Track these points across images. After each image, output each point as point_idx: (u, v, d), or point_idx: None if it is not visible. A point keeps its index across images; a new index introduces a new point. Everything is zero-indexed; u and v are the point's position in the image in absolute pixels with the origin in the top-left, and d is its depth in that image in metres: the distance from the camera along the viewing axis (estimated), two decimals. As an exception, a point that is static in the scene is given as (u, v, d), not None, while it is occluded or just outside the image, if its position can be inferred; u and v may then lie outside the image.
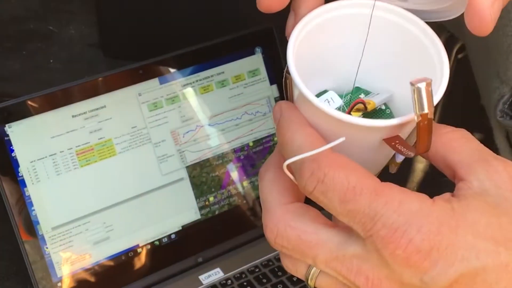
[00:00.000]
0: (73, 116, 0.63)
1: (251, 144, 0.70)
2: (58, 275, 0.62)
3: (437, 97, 0.36)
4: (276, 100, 0.70)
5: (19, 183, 0.61)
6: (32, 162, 0.61)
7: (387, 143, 0.37)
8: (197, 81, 0.67)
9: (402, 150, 0.37)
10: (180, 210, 0.67)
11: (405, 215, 0.32)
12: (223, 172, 0.69)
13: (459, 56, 0.77)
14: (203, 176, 0.68)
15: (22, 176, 0.61)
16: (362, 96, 0.42)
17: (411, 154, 0.37)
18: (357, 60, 0.40)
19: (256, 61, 0.69)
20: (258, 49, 0.69)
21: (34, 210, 0.61)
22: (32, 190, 0.61)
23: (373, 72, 0.41)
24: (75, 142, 0.63)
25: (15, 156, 0.60)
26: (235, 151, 0.69)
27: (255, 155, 0.70)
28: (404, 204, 0.33)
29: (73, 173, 0.63)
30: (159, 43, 0.82)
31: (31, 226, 0.61)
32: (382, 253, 0.33)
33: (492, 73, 0.55)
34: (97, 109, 0.64)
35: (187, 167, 0.67)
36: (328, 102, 0.40)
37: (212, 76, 0.68)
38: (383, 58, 0.41)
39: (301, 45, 0.38)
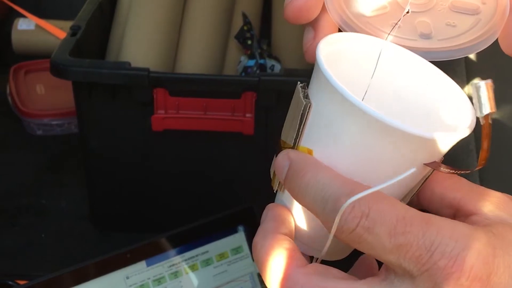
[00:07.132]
0: (62, 304, 0.65)
1: (236, 320, 0.71)
2: None
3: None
4: (259, 275, 0.73)
5: None
6: None
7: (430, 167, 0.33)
8: (182, 261, 0.70)
9: (449, 171, 0.34)
10: None
11: (462, 241, 0.30)
12: None
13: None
14: None
15: None
16: None
17: (467, 170, 0.34)
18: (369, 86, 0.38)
19: (238, 239, 0.73)
20: (240, 227, 0.73)
21: None
22: None
23: (388, 107, 0.39)
24: (64, 330, 0.64)
25: None
26: (220, 328, 0.71)
27: (240, 331, 0.71)
28: (457, 229, 0.31)
29: None
30: (149, 215, 0.86)
31: None
32: (442, 286, 0.30)
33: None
34: (86, 295, 0.66)
35: None
36: None
37: (197, 255, 0.71)
38: (401, 99, 0.39)
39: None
